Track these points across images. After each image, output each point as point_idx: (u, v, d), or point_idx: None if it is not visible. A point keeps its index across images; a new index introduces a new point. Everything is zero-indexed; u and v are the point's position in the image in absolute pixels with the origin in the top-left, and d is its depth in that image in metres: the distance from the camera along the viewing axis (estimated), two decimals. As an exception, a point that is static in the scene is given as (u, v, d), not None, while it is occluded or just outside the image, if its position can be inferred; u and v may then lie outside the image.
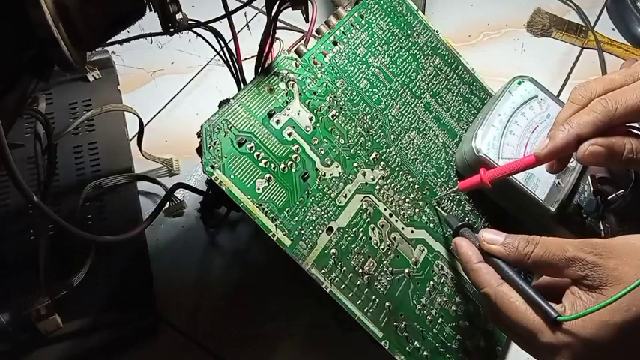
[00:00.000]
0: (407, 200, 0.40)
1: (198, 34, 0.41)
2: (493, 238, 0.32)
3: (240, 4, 0.40)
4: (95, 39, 0.30)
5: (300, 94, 0.38)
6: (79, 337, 0.41)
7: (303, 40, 0.41)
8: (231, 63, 0.42)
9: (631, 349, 0.27)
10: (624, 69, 0.33)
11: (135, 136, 0.51)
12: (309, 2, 0.35)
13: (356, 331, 0.35)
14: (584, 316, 0.27)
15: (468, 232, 0.36)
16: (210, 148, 0.33)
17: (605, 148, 0.31)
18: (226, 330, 0.44)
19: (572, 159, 0.33)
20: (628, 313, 0.26)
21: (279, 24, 0.38)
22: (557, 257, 0.29)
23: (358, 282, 0.36)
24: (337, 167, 0.38)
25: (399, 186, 0.40)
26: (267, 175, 0.35)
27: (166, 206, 0.50)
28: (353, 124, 0.40)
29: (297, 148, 0.37)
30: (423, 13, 0.48)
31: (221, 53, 0.42)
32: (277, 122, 0.36)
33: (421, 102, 0.45)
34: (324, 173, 0.37)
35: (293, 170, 0.36)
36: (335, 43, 0.42)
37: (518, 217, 0.45)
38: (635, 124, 0.33)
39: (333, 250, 0.35)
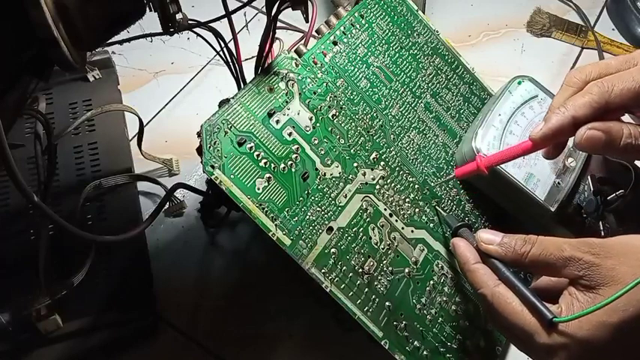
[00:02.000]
0: (407, 200, 0.40)
1: (198, 34, 0.41)
2: (490, 238, 0.32)
3: (240, 4, 0.40)
4: (95, 39, 0.30)
5: (300, 93, 0.38)
6: (79, 337, 0.41)
7: (303, 40, 0.41)
8: (231, 63, 0.42)
9: (629, 350, 0.27)
10: (621, 55, 0.33)
11: (135, 136, 0.51)
12: (309, 2, 0.35)
13: (356, 331, 0.35)
14: (581, 317, 0.27)
15: (466, 232, 0.36)
16: (210, 147, 0.33)
17: (603, 132, 0.30)
18: (226, 330, 0.44)
19: (572, 158, 0.33)
20: (625, 313, 0.26)
21: (279, 24, 0.38)
22: (554, 257, 0.29)
23: (358, 282, 0.36)
24: (337, 167, 0.38)
25: (399, 186, 0.40)
26: (267, 175, 0.35)
27: (166, 206, 0.50)
28: (353, 123, 0.40)
29: (297, 147, 0.37)
30: (423, 13, 0.48)
31: (221, 53, 0.42)
32: (277, 122, 0.36)
33: (421, 102, 0.45)
34: (324, 173, 0.37)
35: (293, 170, 0.36)
36: (335, 43, 0.42)
37: (518, 217, 0.45)
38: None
39: (333, 250, 0.35)
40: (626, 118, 0.33)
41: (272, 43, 0.38)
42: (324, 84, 0.40)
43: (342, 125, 0.39)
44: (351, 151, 0.39)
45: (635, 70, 0.31)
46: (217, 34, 0.41)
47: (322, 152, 0.38)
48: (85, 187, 0.46)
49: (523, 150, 0.34)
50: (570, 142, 0.33)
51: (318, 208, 0.36)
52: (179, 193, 0.51)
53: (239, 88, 0.42)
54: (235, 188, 0.33)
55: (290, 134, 0.37)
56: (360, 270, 0.36)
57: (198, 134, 0.34)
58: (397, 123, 0.42)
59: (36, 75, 0.28)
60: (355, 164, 0.39)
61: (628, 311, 0.26)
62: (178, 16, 0.33)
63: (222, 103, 0.36)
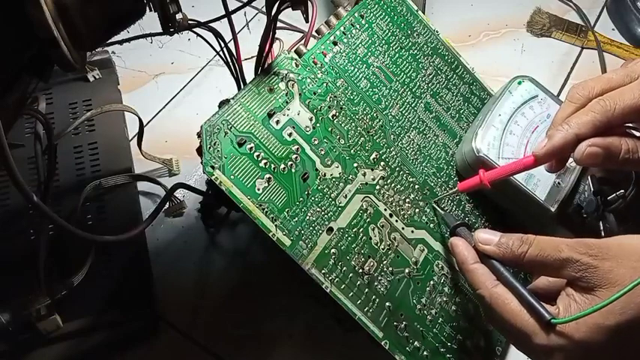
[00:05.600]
0: (407, 200, 0.40)
1: (198, 34, 0.41)
2: (488, 238, 0.32)
3: (240, 4, 0.40)
4: (95, 39, 0.30)
5: (300, 94, 0.38)
6: (79, 337, 0.41)
7: (303, 40, 0.41)
8: (231, 63, 0.42)
9: (625, 352, 0.27)
10: (622, 68, 0.33)
11: (135, 136, 0.51)
12: (309, 2, 0.35)
13: (356, 331, 0.35)
14: (578, 319, 0.27)
15: (464, 231, 0.36)
16: (210, 148, 0.33)
17: (603, 149, 0.31)
18: (226, 330, 0.44)
19: (571, 158, 0.33)
20: (622, 316, 0.26)
21: (279, 24, 0.38)
22: (551, 258, 0.29)
23: (358, 282, 0.36)
24: (337, 167, 0.38)
25: (399, 186, 0.40)
26: (267, 176, 0.35)
27: (166, 206, 0.50)
28: (353, 124, 0.40)
29: (297, 148, 0.37)
30: (423, 13, 0.48)
31: (221, 53, 0.42)
32: (277, 122, 0.36)
33: (421, 102, 0.45)
34: (324, 173, 0.37)
35: (293, 170, 0.36)
36: (335, 43, 0.42)
37: (518, 217, 0.45)
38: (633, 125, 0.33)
39: (333, 251, 0.35)
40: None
41: (272, 43, 0.38)
42: (324, 84, 0.40)
43: (342, 125, 0.39)
44: (351, 151, 0.39)
45: (636, 85, 0.32)
46: (217, 34, 0.41)
47: (322, 152, 0.38)
48: (85, 187, 0.46)
49: (525, 165, 0.34)
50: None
51: (318, 209, 0.36)
52: (179, 193, 0.51)
53: (239, 88, 0.42)
54: (235, 189, 0.33)
55: (290, 134, 0.37)
56: (360, 270, 0.36)
57: (198, 134, 0.34)
58: (397, 123, 0.42)
59: (36, 75, 0.28)
60: (355, 164, 0.39)
61: (625, 314, 0.26)
62: (178, 16, 0.33)
63: (222, 104, 0.36)
